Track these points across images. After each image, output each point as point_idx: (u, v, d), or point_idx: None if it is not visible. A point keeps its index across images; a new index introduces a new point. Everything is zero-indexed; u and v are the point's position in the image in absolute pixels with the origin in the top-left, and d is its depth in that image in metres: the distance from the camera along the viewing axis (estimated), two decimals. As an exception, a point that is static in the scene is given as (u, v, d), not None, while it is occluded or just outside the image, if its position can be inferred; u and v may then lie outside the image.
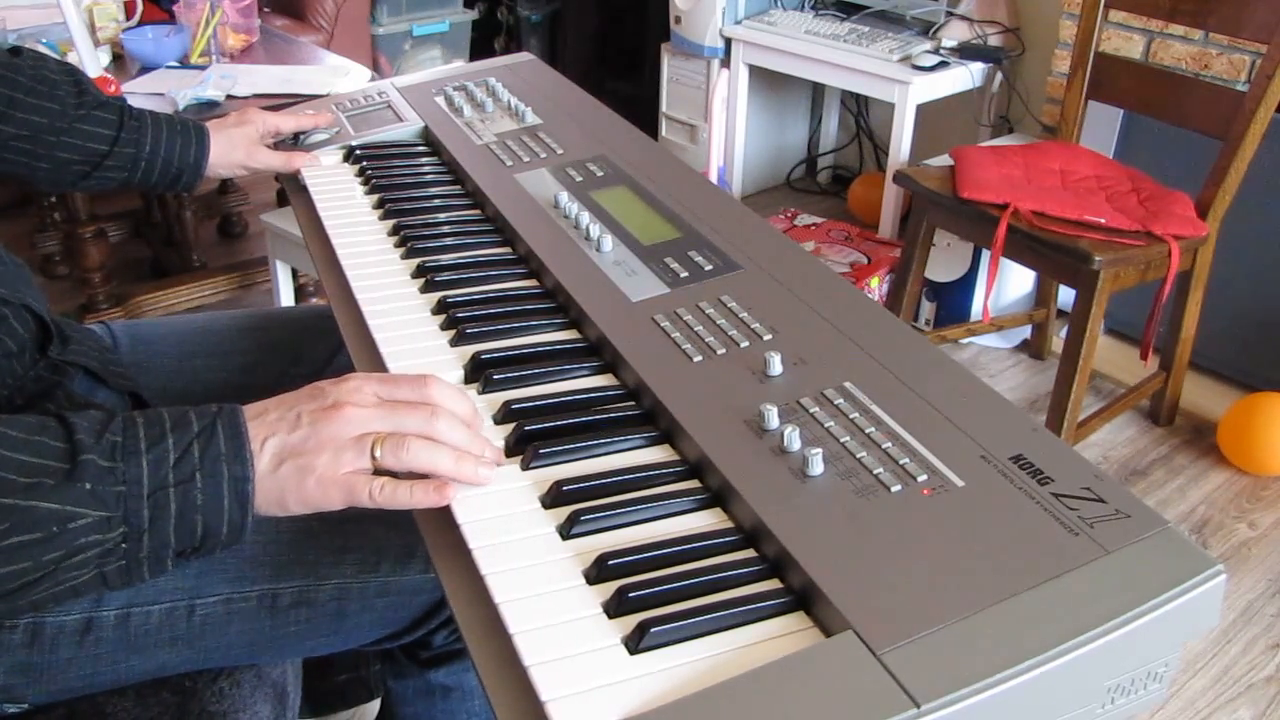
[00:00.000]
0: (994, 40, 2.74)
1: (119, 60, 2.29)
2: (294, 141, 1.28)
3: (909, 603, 0.58)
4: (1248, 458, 2.13)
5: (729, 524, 0.68)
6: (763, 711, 0.53)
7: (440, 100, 1.34)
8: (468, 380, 0.84)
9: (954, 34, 2.74)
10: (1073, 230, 1.90)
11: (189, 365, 1.12)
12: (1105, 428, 2.25)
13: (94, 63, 2.03)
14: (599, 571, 0.64)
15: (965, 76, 2.71)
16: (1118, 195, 2.03)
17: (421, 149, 1.28)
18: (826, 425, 0.71)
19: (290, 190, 1.24)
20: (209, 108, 2.03)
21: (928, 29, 2.80)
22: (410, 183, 1.18)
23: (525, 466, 0.73)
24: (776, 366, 0.77)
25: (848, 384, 0.75)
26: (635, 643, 0.58)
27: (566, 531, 0.67)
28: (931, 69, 2.62)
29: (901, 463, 0.67)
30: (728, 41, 3.02)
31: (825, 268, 0.92)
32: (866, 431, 0.70)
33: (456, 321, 0.90)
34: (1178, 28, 2.31)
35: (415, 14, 3.58)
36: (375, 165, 1.21)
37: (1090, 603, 0.57)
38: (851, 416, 0.72)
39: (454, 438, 0.71)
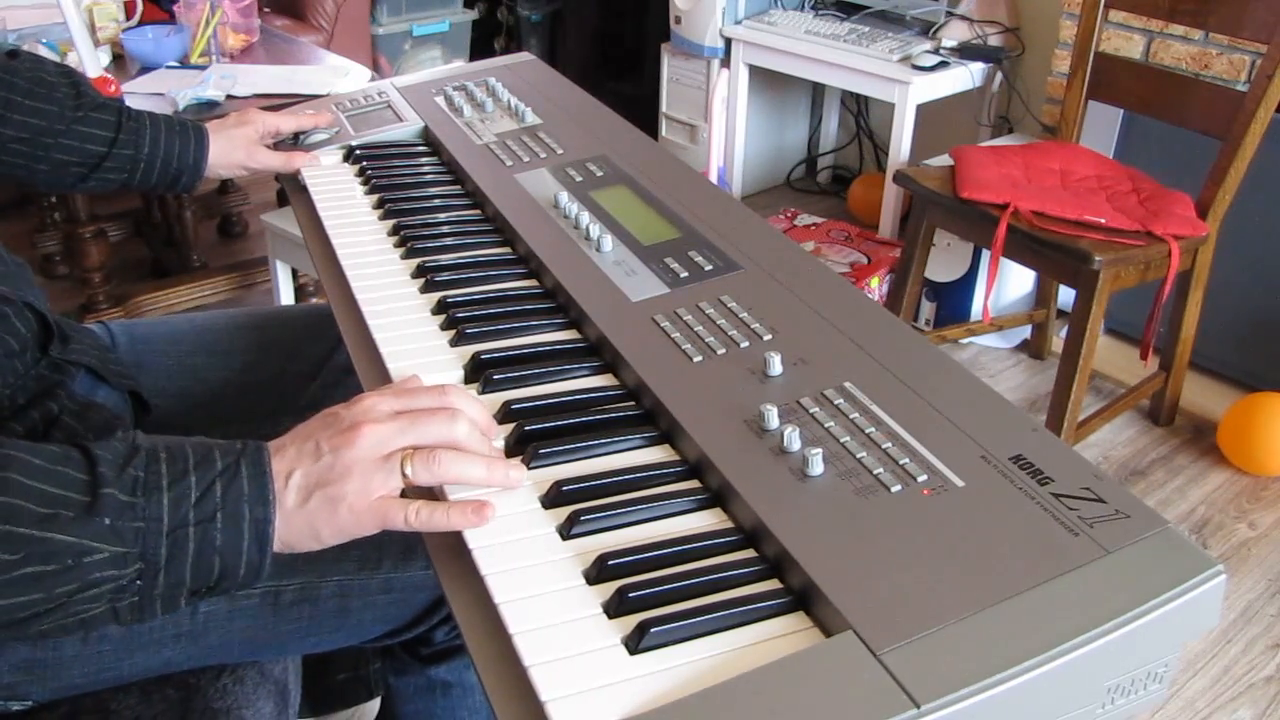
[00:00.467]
0: (994, 40, 2.74)
1: (119, 60, 2.29)
2: (294, 141, 1.28)
3: (909, 603, 0.58)
4: (1248, 458, 2.13)
5: (729, 524, 0.68)
6: (763, 711, 0.53)
7: (440, 100, 1.34)
8: (468, 380, 0.84)
9: (954, 34, 2.74)
10: (1073, 230, 1.90)
11: (187, 364, 1.12)
12: (1105, 428, 2.25)
13: (94, 63, 2.02)
14: (599, 571, 0.64)
15: (965, 76, 2.71)
16: (1118, 195, 2.03)
17: (421, 149, 1.28)
18: (826, 425, 0.71)
19: (290, 190, 1.24)
20: (209, 108, 2.03)
21: (928, 29, 2.80)
22: (410, 183, 1.18)
23: (526, 466, 0.73)
24: (776, 366, 0.77)
25: (848, 384, 0.75)
26: (635, 643, 0.58)
27: (566, 531, 0.67)
28: (931, 69, 2.62)
29: (901, 463, 0.67)
30: (728, 41, 3.02)
31: (825, 268, 0.92)
32: (866, 431, 0.70)
33: (456, 321, 0.90)
34: (1178, 28, 2.31)
35: (415, 14, 3.58)
36: (375, 165, 1.21)
37: (1090, 603, 0.57)
38: (851, 416, 0.72)
39: (476, 443, 0.71)
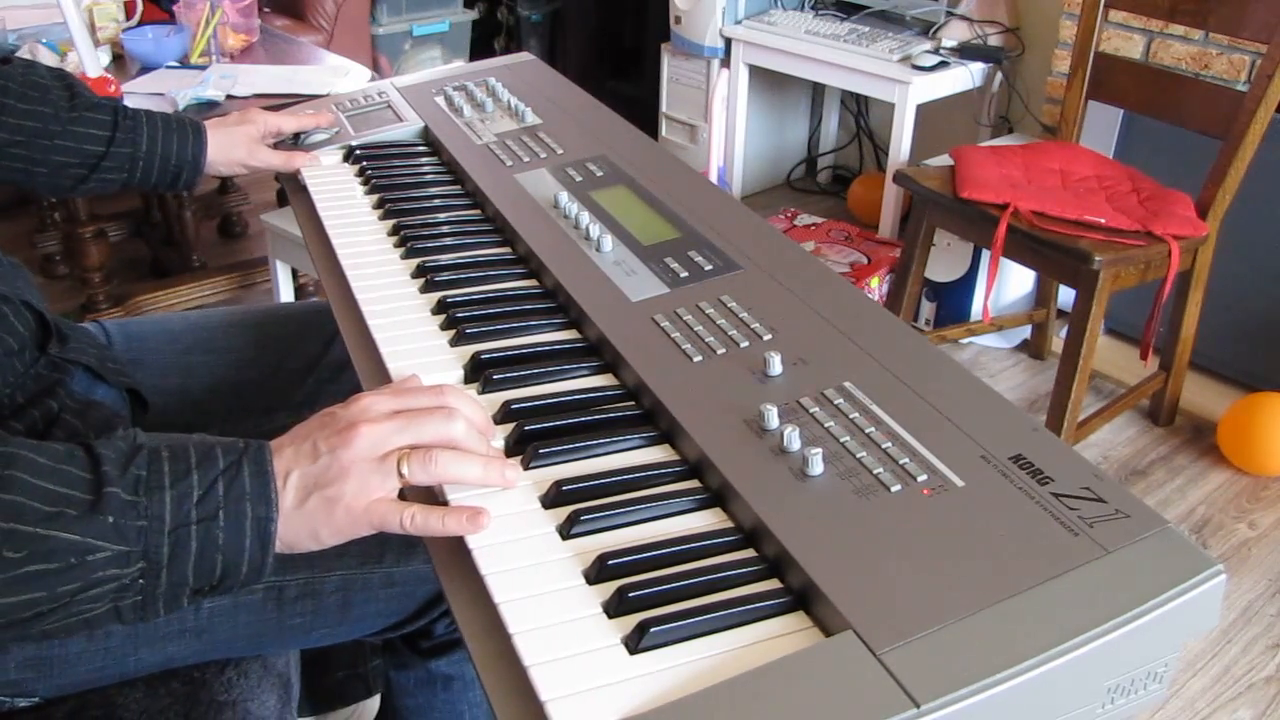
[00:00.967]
0: (994, 40, 2.74)
1: (119, 60, 2.29)
2: (294, 141, 1.28)
3: (909, 603, 0.58)
4: (1248, 458, 2.13)
5: (729, 524, 0.68)
6: (763, 711, 0.53)
7: (440, 100, 1.34)
8: (467, 380, 0.84)
9: (954, 34, 2.74)
10: (1073, 230, 1.90)
11: (184, 361, 1.12)
12: (1105, 428, 2.24)
13: (94, 63, 2.02)
14: (599, 571, 0.64)
15: (965, 76, 2.71)
16: (1118, 195, 2.03)
17: (421, 149, 1.28)
18: (826, 425, 0.71)
19: (290, 190, 1.24)
20: (209, 108, 2.03)
21: (928, 29, 2.80)
22: (410, 183, 1.18)
23: (525, 466, 0.73)
24: (776, 366, 0.77)
25: (848, 384, 0.75)
26: (635, 642, 0.58)
27: (566, 531, 0.67)
28: (931, 69, 2.62)
29: (901, 463, 0.67)
30: (728, 41, 3.02)
31: (825, 268, 0.92)
32: (866, 431, 0.70)
33: (456, 321, 0.90)
34: (1178, 28, 2.31)
35: (415, 14, 3.58)
36: (375, 165, 1.21)
37: (1090, 603, 0.57)
38: (851, 416, 0.72)
39: (474, 442, 0.71)
